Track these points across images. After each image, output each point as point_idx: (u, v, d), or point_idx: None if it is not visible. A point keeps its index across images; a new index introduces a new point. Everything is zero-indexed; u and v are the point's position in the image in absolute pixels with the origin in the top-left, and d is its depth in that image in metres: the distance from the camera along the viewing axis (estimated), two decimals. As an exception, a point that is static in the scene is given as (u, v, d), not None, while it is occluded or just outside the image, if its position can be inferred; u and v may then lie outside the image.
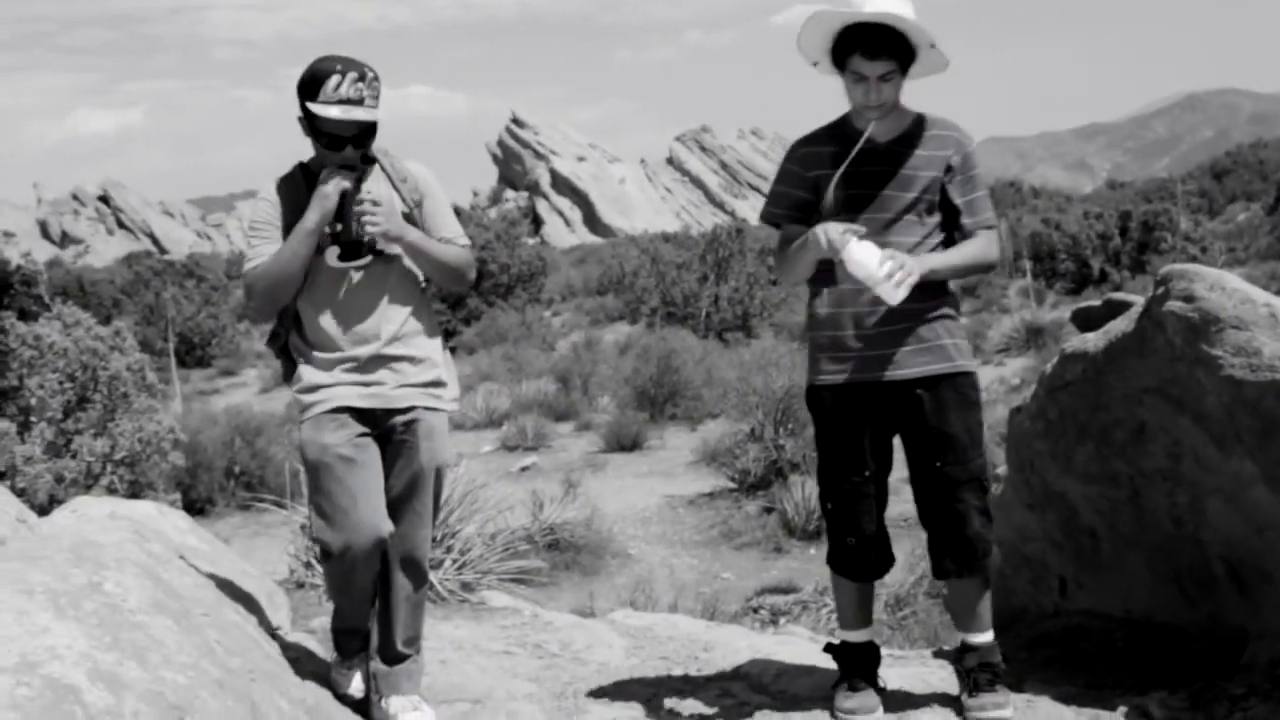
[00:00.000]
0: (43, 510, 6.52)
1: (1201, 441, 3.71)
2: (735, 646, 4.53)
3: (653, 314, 28.62)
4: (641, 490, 13.38)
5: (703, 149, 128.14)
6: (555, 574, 9.66)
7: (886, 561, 3.69)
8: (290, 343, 3.59)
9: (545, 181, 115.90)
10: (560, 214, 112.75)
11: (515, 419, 17.14)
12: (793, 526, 10.78)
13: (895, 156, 3.51)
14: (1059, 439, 4.22)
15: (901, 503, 4.05)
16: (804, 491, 10.88)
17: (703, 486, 12.94)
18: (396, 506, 3.50)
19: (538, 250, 41.12)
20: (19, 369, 9.90)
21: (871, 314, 3.50)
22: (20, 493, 8.80)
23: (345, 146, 3.42)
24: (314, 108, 3.35)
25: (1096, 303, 4.75)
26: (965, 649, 3.68)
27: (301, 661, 3.73)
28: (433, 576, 5.68)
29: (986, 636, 3.66)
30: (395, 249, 3.49)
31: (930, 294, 3.53)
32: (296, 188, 3.50)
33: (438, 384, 3.57)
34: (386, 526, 3.42)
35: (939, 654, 4.47)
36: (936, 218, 3.56)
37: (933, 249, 3.54)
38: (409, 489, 3.51)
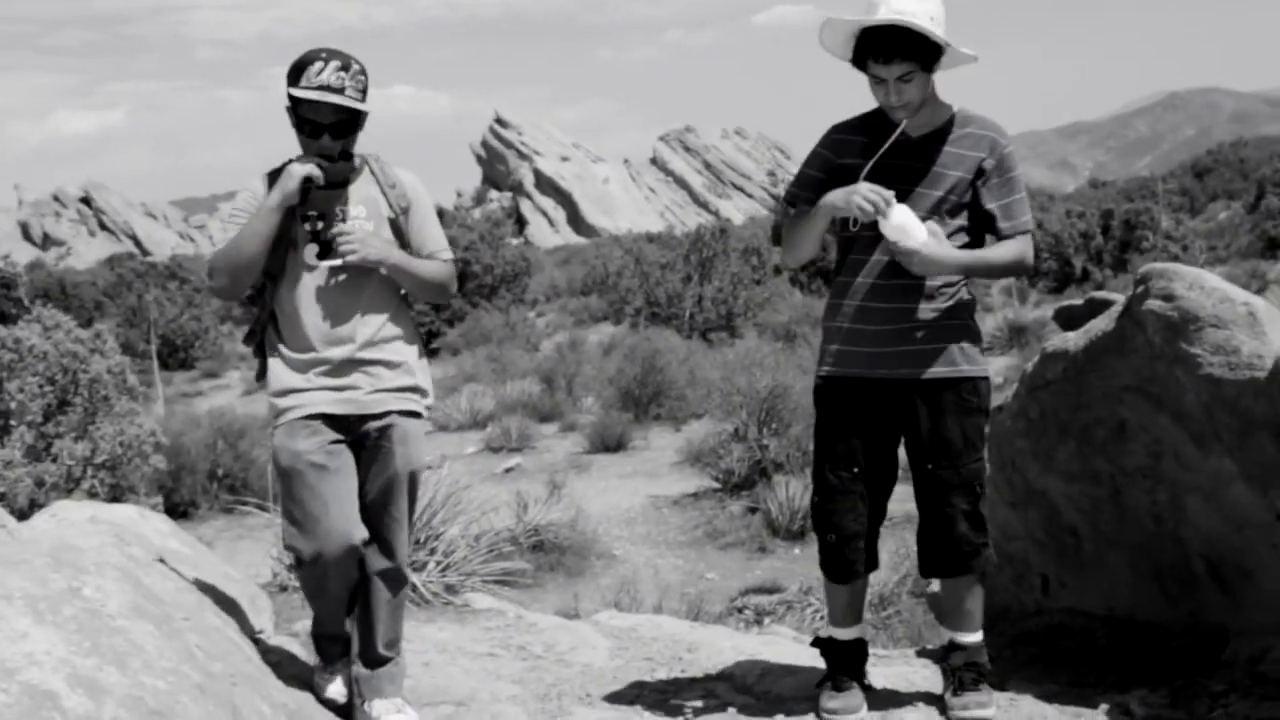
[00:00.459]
0: (23, 515, 6.48)
1: (1181, 440, 3.73)
2: (720, 647, 4.53)
3: (637, 314, 28.62)
4: (626, 491, 13.38)
5: (686, 149, 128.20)
6: (540, 575, 9.65)
7: (869, 564, 3.65)
8: (265, 339, 3.58)
9: (529, 182, 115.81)
10: (544, 214, 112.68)
11: (499, 420, 17.11)
12: (777, 526, 10.79)
13: (927, 152, 3.48)
14: (1040, 437, 4.24)
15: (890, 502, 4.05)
16: (788, 491, 10.88)
17: (687, 487, 12.94)
18: (373, 511, 3.50)
19: (522, 251, 41.07)
20: (-2, 372, 9.85)
21: (889, 312, 3.50)
22: (0, 497, 8.75)
23: (323, 135, 3.40)
24: (294, 92, 3.36)
25: (1079, 301, 4.76)
26: (953, 648, 3.69)
27: (284, 665, 3.72)
28: (416, 579, 5.68)
29: (975, 636, 3.67)
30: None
31: (945, 298, 3.53)
32: None
33: (414, 390, 3.56)
34: (358, 533, 3.42)
35: (923, 653, 4.48)
36: (961, 219, 3.53)
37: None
38: (384, 494, 3.51)
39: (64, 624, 2.62)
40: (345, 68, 3.36)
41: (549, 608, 7.20)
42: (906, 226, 3.34)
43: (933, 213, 3.48)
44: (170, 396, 24.27)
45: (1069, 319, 4.56)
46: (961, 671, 3.65)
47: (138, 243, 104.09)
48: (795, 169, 3.79)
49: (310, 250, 3.45)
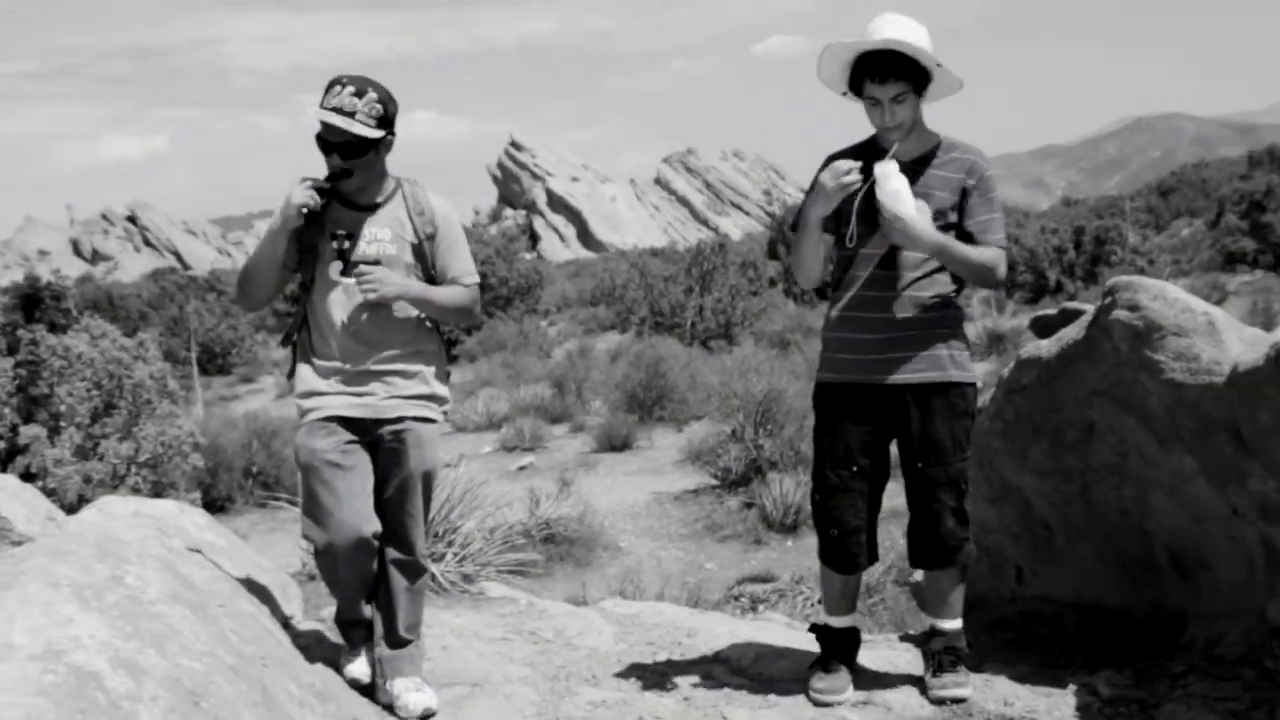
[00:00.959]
0: (71, 509, 6.50)
1: (1146, 439, 3.72)
2: (716, 632, 4.52)
3: (641, 323, 28.59)
4: (631, 487, 13.36)
5: (688, 169, 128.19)
6: (550, 566, 9.64)
7: (870, 556, 3.67)
8: (299, 342, 3.59)
9: (541, 200, 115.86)
10: (555, 230, 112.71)
11: (513, 421, 17.09)
12: (771, 520, 10.77)
13: (916, 175, 3.49)
14: (1016, 438, 4.23)
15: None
16: (782, 488, 10.87)
17: (688, 483, 12.92)
18: (390, 508, 3.51)
19: (534, 264, 41.08)
20: (49, 378, 9.88)
21: (879, 322, 3.51)
22: (50, 493, 8.77)
23: (333, 153, 3.38)
24: (312, 110, 3.36)
25: (1053, 311, 4.75)
26: (933, 633, 3.70)
27: (311, 648, 3.72)
28: (435, 569, 5.66)
29: (955, 623, 3.68)
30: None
31: (937, 308, 3.53)
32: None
33: (429, 397, 3.56)
34: (369, 527, 3.43)
35: (905, 638, 4.47)
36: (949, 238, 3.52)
37: (936, 270, 3.52)
38: (400, 492, 3.52)
39: (107, 610, 2.63)
40: (360, 94, 3.32)
41: (559, 596, 7.19)
42: (900, 193, 3.38)
43: None
44: (209, 400, 24.29)
45: (1043, 327, 4.55)
46: (941, 655, 3.66)
47: (179, 258, 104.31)
48: (790, 188, 3.81)
49: (335, 267, 3.46)
